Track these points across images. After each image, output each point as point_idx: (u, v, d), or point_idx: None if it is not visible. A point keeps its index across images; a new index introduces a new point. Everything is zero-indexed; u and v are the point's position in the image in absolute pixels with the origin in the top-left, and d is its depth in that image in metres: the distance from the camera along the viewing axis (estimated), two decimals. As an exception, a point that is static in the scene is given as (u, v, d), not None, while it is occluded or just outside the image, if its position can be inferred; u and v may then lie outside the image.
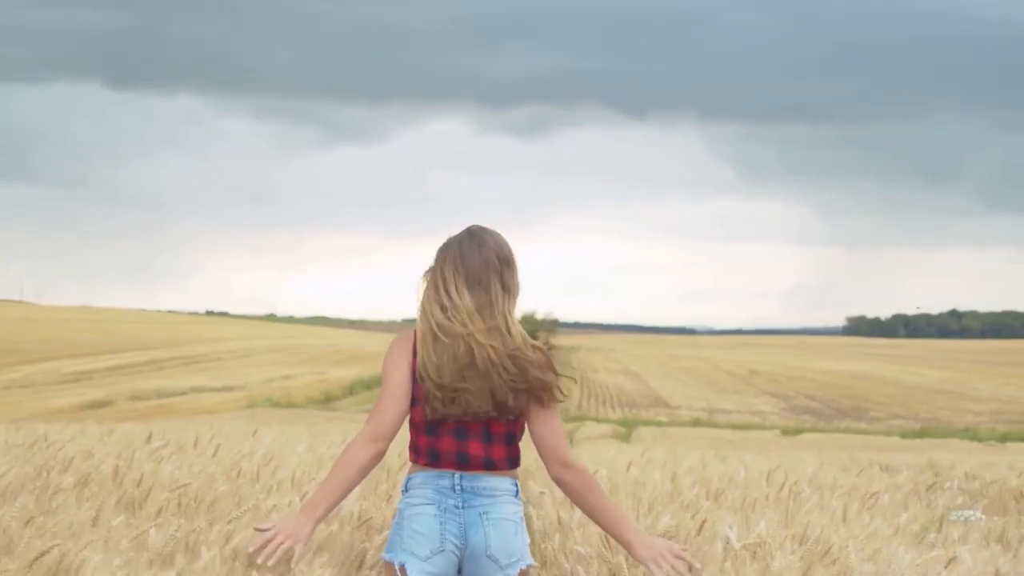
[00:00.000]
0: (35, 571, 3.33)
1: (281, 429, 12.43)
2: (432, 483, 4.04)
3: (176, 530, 4.03)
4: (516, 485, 4.13)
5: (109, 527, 3.88)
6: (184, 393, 78.72)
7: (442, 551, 3.99)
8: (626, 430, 55.86)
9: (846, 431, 63.83)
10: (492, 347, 3.98)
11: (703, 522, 4.87)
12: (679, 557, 4.04)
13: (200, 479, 5.39)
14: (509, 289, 4.10)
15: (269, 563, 3.84)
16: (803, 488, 6.53)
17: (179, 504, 4.79)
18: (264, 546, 3.87)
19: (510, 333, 4.02)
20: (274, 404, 68.94)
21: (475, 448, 4.04)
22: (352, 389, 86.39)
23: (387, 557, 4.03)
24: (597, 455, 10.84)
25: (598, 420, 65.08)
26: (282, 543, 3.86)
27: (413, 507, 4.04)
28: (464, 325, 4.00)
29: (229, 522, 4.22)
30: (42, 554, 3.34)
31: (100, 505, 4.39)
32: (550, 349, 4.11)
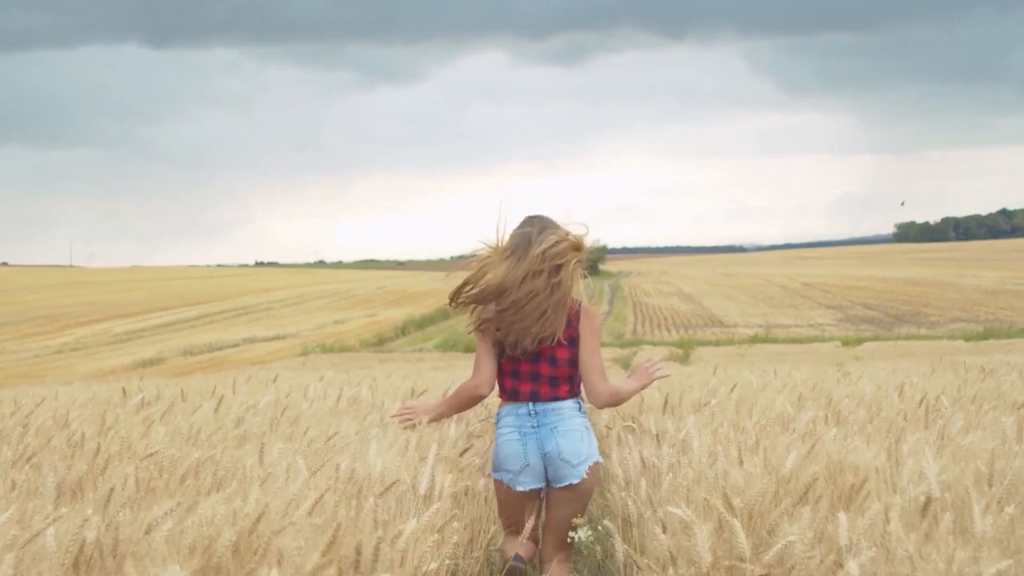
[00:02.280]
0: None
1: (318, 374, 11.26)
2: (513, 412, 5.23)
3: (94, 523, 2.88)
4: (579, 402, 5.26)
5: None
6: (236, 345, 78.30)
7: (527, 465, 5.13)
8: (684, 351, 54.95)
9: (908, 338, 62.77)
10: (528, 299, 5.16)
11: (812, 446, 3.67)
12: (650, 369, 5.40)
13: (180, 443, 4.24)
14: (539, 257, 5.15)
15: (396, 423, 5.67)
16: (944, 403, 5.26)
17: (136, 482, 3.58)
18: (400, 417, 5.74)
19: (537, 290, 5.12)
20: (327, 350, 68.41)
21: (544, 388, 5.19)
22: (404, 329, 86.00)
23: (492, 475, 5.27)
24: (680, 379, 9.63)
25: (654, 343, 64.23)
26: (409, 416, 5.70)
27: (502, 435, 5.21)
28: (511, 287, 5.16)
29: (188, 508, 3.03)
30: None
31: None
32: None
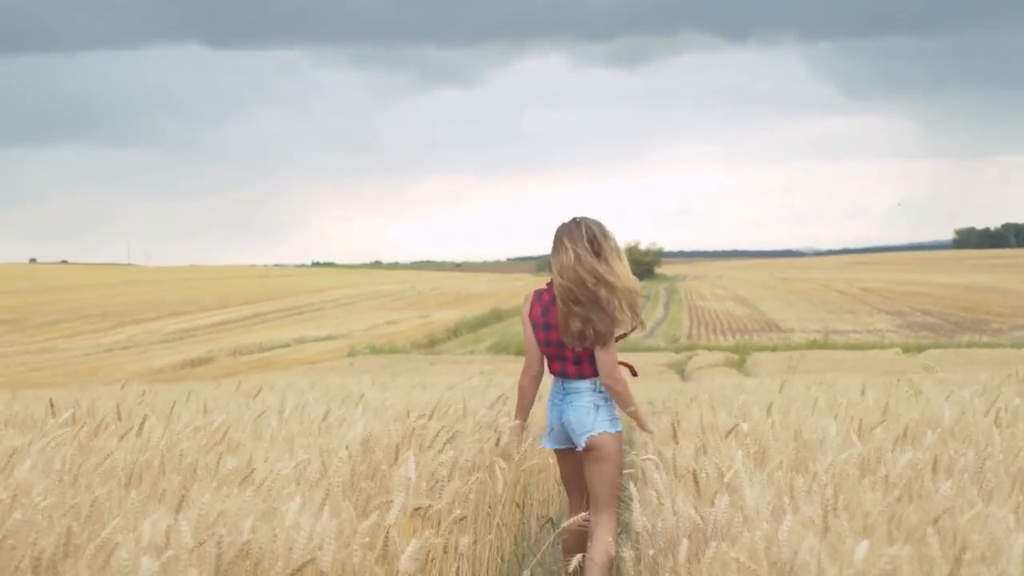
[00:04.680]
0: None
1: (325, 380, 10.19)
2: (553, 387, 6.24)
3: None
4: (595, 383, 6.11)
5: None
6: (286, 345, 77.70)
7: (553, 430, 6.21)
8: (740, 357, 53.82)
9: (969, 345, 61.29)
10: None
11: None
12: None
13: (41, 486, 3.16)
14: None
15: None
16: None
17: None
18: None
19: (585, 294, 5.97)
20: (376, 350, 67.64)
21: (571, 368, 6.11)
22: (456, 331, 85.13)
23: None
24: (723, 394, 8.48)
25: (709, 348, 63.11)
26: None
27: (549, 404, 6.27)
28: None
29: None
30: None
31: None
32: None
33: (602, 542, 5.77)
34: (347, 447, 4.33)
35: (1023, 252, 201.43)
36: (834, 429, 4.65)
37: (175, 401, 6.47)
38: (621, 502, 5.93)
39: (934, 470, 3.51)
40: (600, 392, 6.07)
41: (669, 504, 3.31)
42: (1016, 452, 3.75)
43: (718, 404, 7.44)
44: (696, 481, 3.68)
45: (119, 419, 5.10)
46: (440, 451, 4.88)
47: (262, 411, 5.83)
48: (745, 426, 5.47)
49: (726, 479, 3.59)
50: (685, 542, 3.00)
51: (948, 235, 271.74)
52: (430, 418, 5.89)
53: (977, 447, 3.95)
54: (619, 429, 6.11)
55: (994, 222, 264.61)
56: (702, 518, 3.15)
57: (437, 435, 5.25)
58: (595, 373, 6.05)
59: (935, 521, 2.58)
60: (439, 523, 3.73)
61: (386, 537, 2.95)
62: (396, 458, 4.53)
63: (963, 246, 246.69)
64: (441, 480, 4.21)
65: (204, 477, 3.73)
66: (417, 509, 3.49)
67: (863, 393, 7.89)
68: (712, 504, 3.16)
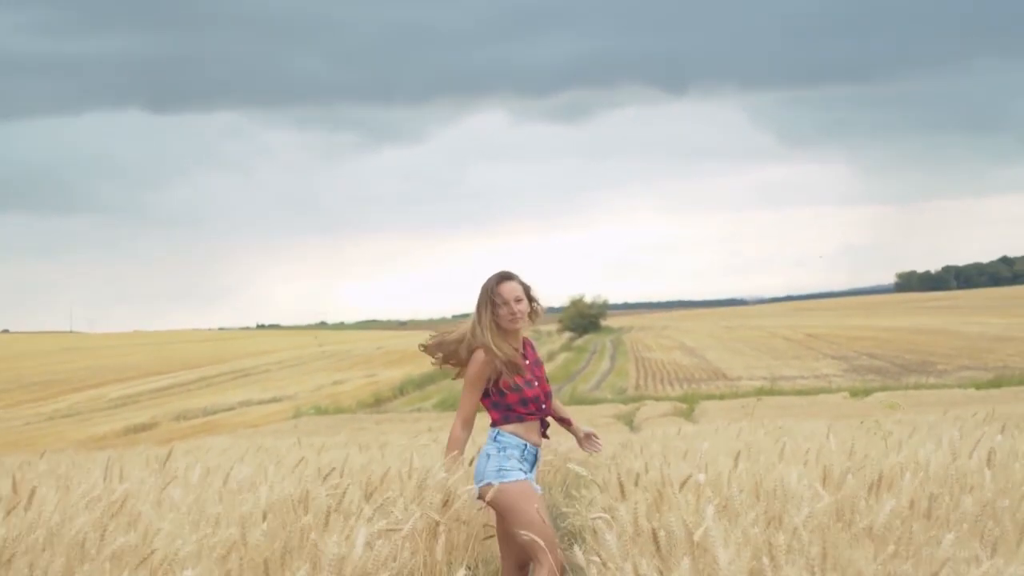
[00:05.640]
0: None
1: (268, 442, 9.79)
2: None
3: None
4: (495, 431, 6.14)
5: None
6: (231, 408, 77.17)
7: None
8: (688, 406, 53.70)
9: (917, 387, 61.47)
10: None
11: None
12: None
13: None
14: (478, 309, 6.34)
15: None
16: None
17: None
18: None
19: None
20: (321, 411, 67.17)
21: None
22: (402, 389, 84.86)
23: None
24: (676, 444, 8.13)
25: (657, 399, 62.96)
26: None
27: None
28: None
29: None
30: None
31: None
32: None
33: None
34: (257, 515, 3.92)
35: (963, 294, 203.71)
36: (801, 476, 4.25)
37: (89, 469, 6.05)
38: (547, 544, 5.64)
39: (927, 517, 3.11)
40: (496, 441, 6.09)
41: (630, 569, 2.90)
42: (1022, 496, 3.32)
43: (670, 453, 7.09)
44: (656, 541, 3.27)
45: (14, 491, 4.66)
46: (370, 518, 4.47)
47: (171, 479, 5.40)
48: (702, 477, 5.01)
49: (695, 537, 3.16)
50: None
51: (890, 279, 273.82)
52: (341, 474, 5.45)
53: (968, 491, 3.55)
54: (506, 480, 5.89)
55: (934, 265, 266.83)
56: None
57: (345, 493, 4.82)
58: (496, 421, 6.12)
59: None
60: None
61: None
62: (313, 528, 4.11)
63: (905, 289, 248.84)
64: (369, 549, 3.80)
65: (93, 556, 3.32)
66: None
67: (828, 436, 7.54)
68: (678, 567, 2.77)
